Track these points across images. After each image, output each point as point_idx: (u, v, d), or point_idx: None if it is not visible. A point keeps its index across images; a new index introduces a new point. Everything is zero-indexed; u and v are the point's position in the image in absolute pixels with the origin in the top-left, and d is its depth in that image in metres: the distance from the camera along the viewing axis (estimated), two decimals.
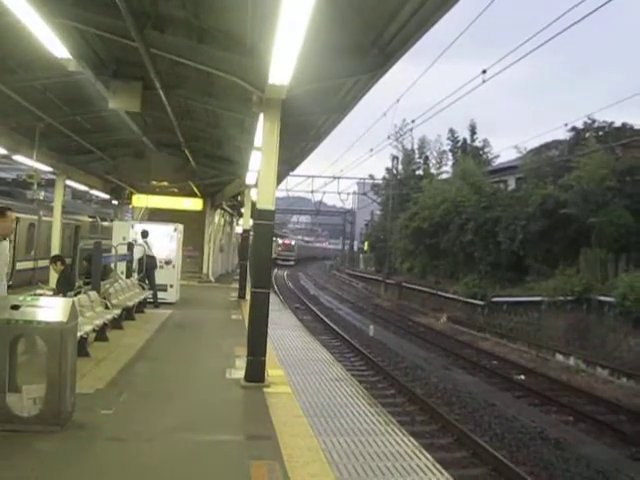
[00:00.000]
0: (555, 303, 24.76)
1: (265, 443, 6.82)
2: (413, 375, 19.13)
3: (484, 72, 18.36)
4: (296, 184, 61.08)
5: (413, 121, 34.33)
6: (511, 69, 17.36)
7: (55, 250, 20.73)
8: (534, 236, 28.49)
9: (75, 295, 11.43)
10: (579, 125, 33.66)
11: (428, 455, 6.84)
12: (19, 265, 21.33)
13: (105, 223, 33.78)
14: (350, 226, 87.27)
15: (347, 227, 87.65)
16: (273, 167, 9.59)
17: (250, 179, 20.38)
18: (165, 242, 19.95)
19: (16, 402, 6.55)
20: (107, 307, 12.91)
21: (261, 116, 10.10)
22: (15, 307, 6.68)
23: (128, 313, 14.96)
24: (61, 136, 18.04)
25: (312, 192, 62.15)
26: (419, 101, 35.93)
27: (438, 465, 6.54)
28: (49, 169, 21.64)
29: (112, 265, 15.74)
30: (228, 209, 36.87)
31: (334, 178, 58.20)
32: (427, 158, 57.40)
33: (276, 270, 61.82)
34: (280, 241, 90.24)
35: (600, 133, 32.28)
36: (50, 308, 6.85)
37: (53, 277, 15.18)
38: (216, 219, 32.79)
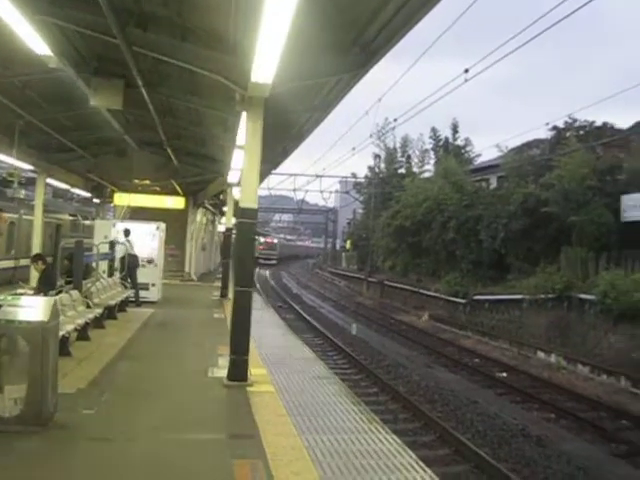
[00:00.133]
0: (536, 301, 24.90)
1: (248, 442, 6.82)
2: (395, 373, 19.17)
3: (466, 71, 18.42)
4: (278, 182, 61.20)
5: (395, 120, 34.27)
6: (495, 67, 17.43)
7: (36, 249, 20.58)
8: (515, 234, 28.64)
9: (56, 294, 11.34)
10: (560, 124, 33.88)
11: (411, 453, 6.87)
12: (1, 264, 21.20)
13: (87, 222, 33.61)
14: (332, 224, 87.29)
15: (329, 225, 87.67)
16: (256, 165, 9.59)
17: (233, 177, 20.34)
18: (147, 241, 19.85)
19: None
20: (89, 306, 12.85)
21: (244, 114, 10.09)
22: None
23: (110, 312, 14.88)
24: (41, 134, 17.90)
25: (294, 190, 62.21)
26: (401, 100, 36.10)
27: (421, 462, 6.56)
28: (30, 167, 21.48)
29: (94, 264, 15.66)
30: (210, 208, 36.79)
31: (316, 176, 58.20)
32: (409, 157, 57.56)
33: (258, 269, 61.68)
34: (262, 239, 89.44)
35: (581, 132, 32.49)
36: (31, 307, 6.81)
37: (34, 276, 15.08)
38: (198, 218, 32.71)
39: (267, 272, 71.23)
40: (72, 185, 28.14)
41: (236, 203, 21.37)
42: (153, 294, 19.64)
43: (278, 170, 30.93)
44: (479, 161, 48.92)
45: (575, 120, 33.09)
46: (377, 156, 56.59)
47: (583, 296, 22.79)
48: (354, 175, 65.36)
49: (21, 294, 10.00)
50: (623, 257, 23.62)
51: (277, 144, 16.63)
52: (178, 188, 26.86)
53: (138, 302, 18.29)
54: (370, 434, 7.41)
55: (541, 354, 22.13)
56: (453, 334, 28.09)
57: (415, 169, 55.50)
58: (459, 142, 52.40)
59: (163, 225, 20.85)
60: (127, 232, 18.73)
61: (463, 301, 30.57)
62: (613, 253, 24.30)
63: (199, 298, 22.52)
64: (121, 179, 26.36)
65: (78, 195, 35.96)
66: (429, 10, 7.30)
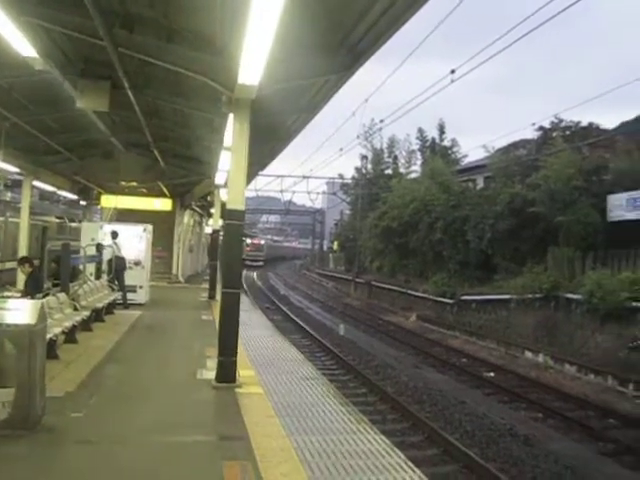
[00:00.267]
0: (524, 301, 25.01)
1: (237, 443, 6.82)
2: (384, 374, 19.19)
3: (453, 72, 18.49)
4: (265, 184, 61.30)
5: (382, 121, 34.43)
6: (482, 67, 17.49)
7: (23, 252, 20.48)
8: (502, 235, 28.76)
9: (43, 297, 11.29)
10: (547, 124, 34.06)
11: (400, 453, 6.89)
12: None
13: (73, 224, 33.48)
14: (320, 225, 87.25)
15: (317, 227, 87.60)
16: (243, 167, 9.59)
17: (219, 179, 20.32)
18: (134, 243, 19.78)
19: None
20: (76, 309, 12.81)
21: (231, 116, 10.08)
22: None
23: (97, 315, 14.83)
24: (28, 136, 17.80)
25: (282, 192, 62.20)
26: (388, 101, 36.06)
27: (410, 463, 6.58)
28: (16, 170, 21.37)
29: (81, 266, 15.60)
30: (197, 209, 36.72)
31: (303, 177, 58.20)
32: (396, 157, 57.66)
33: (245, 271, 61.53)
34: (249, 241, 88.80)
35: (567, 133, 32.68)
36: (18, 310, 6.78)
37: (21, 279, 15.00)
38: (185, 219, 32.63)
39: (254, 273, 71.16)
40: (59, 187, 27.98)
41: (223, 205, 21.37)
42: (141, 296, 19.58)
43: (265, 171, 30.93)
44: (466, 161, 49.14)
45: (561, 120, 33.33)
46: (364, 157, 56.64)
47: (570, 296, 22.92)
48: (341, 176, 65.48)
49: (8, 297, 9.96)
50: (609, 257, 23.78)
51: (264, 145, 16.62)
52: (165, 190, 26.79)
53: (126, 304, 18.25)
54: (359, 434, 7.42)
55: (528, 354, 22.22)
56: (441, 334, 28.16)
57: (402, 170, 55.65)
58: (446, 143, 52.62)
59: (150, 227, 20.79)
60: (115, 234, 18.68)
61: (451, 301, 30.65)
62: (599, 253, 24.45)
63: (187, 300, 22.46)
64: (108, 181, 26.26)
65: (65, 197, 35.79)
66: (415, 12, 7.33)
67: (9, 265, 22.12)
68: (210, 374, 9.77)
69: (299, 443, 6.94)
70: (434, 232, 33.86)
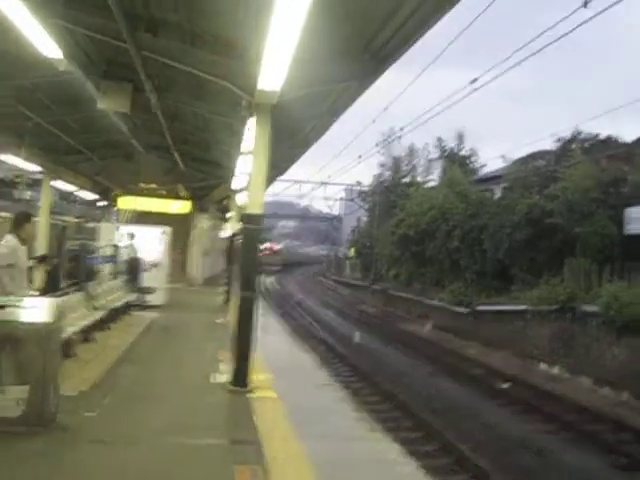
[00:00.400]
0: (540, 312, 24.84)
1: (249, 448, 6.81)
2: (398, 382, 19.14)
3: (474, 81, 18.46)
4: (284, 189, 61.19)
5: (401, 129, 34.24)
6: (504, 77, 17.47)
7: (41, 250, 20.59)
8: (519, 244, 28.58)
9: (61, 296, 11.36)
10: (566, 136, 33.93)
11: (412, 461, 6.87)
12: None
13: (92, 224, 33.65)
14: (337, 232, 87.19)
15: (334, 233, 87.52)
16: (263, 172, 9.61)
17: (237, 183, 20.37)
18: (153, 245, 19.87)
19: None
20: (93, 308, 12.86)
21: (251, 121, 10.11)
22: (0, 307, 6.65)
23: (113, 315, 14.89)
24: (50, 136, 17.93)
25: (300, 197, 62.29)
26: (408, 108, 36.08)
27: (422, 471, 6.56)
28: (37, 169, 21.53)
29: (98, 266, 15.68)
30: (215, 212, 36.80)
31: (322, 184, 58.37)
32: (415, 166, 57.60)
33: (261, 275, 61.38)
34: (266, 245, 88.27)
35: (586, 144, 32.55)
36: (35, 308, 6.83)
37: (38, 277, 15.10)
38: (203, 223, 32.71)
39: (271, 278, 71.16)
40: (79, 187, 28.15)
41: (241, 209, 21.42)
42: (157, 298, 19.61)
43: (283, 176, 30.95)
44: (484, 171, 48.93)
45: (580, 132, 33.21)
46: (382, 165, 56.62)
47: (586, 308, 22.74)
48: (359, 183, 65.48)
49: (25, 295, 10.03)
50: (626, 269, 23.61)
51: (283, 150, 16.65)
52: (184, 193, 26.91)
53: (142, 305, 18.31)
54: (372, 442, 7.42)
55: (544, 365, 22.09)
56: (456, 344, 28.02)
57: (420, 178, 55.54)
58: (464, 152, 52.44)
59: (169, 229, 20.87)
60: (131, 236, 18.77)
61: (467, 311, 30.51)
62: (616, 265, 24.28)
63: (203, 303, 22.51)
64: (128, 182, 26.41)
65: (83, 198, 35.99)
66: (441, 17, 7.26)
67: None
68: (224, 377, 9.79)
69: (311, 449, 6.92)
70: (451, 240, 33.74)
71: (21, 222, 9.04)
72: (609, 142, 32.52)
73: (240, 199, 21.86)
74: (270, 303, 38.63)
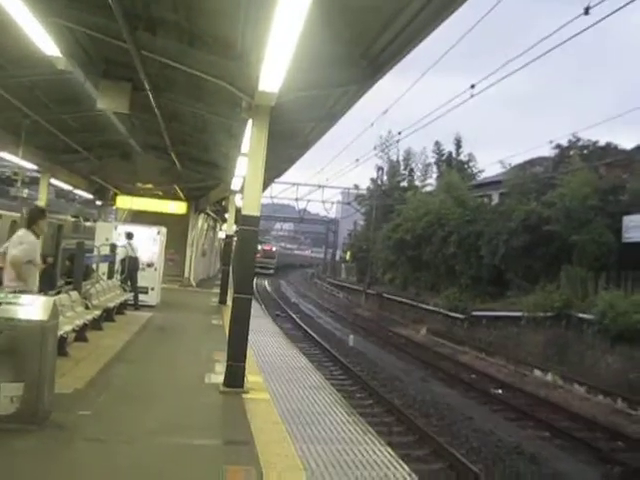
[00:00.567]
0: (535, 319, 24.89)
1: (242, 449, 6.82)
2: (391, 386, 19.17)
3: (472, 87, 18.50)
4: (281, 191, 61.18)
5: (400, 133, 34.25)
6: (504, 82, 17.52)
7: None
8: (516, 251, 28.63)
9: (56, 294, 11.36)
10: (564, 142, 33.96)
11: (405, 465, 6.87)
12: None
13: (88, 223, 33.61)
14: (333, 235, 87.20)
15: (330, 236, 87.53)
16: (259, 173, 9.62)
17: (235, 185, 20.38)
18: (148, 245, 19.85)
19: None
20: (87, 307, 12.86)
21: (249, 122, 10.12)
22: None
23: (108, 314, 14.87)
24: (47, 134, 17.91)
25: (296, 200, 62.30)
26: (407, 113, 36.12)
27: (414, 476, 6.56)
28: (34, 167, 21.51)
29: (94, 266, 15.67)
30: (212, 214, 36.79)
31: (319, 187, 58.37)
32: (412, 170, 57.74)
33: (255, 278, 61.13)
34: (260, 247, 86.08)
35: (584, 151, 32.58)
36: (31, 306, 6.83)
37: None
38: (199, 223, 32.69)
39: (266, 281, 71.07)
40: (75, 186, 28.10)
41: (238, 210, 21.41)
42: (152, 298, 19.63)
43: (281, 179, 31.01)
44: (482, 177, 49.01)
45: (579, 139, 33.23)
46: (380, 168, 56.69)
47: (582, 315, 22.79)
48: (356, 187, 65.56)
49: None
50: (622, 278, 23.64)
51: (281, 153, 16.65)
52: (180, 193, 26.89)
53: (137, 305, 18.30)
54: (364, 445, 7.41)
55: (538, 372, 22.12)
56: (450, 349, 28.08)
57: (417, 183, 55.66)
58: (462, 157, 52.57)
59: (164, 229, 20.86)
60: (130, 235, 18.76)
61: (462, 316, 30.57)
62: (612, 273, 24.30)
63: (198, 304, 22.51)
64: (124, 182, 26.37)
65: (80, 196, 35.96)
66: (438, 25, 7.30)
67: None
68: (218, 378, 9.79)
69: (304, 451, 6.93)
70: (447, 246, 33.80)
71: (35, 218, 9.13)
72: (608, 149, 32.54)
73: (238, 200, 21.87)
74: (264, 305, 38.62)
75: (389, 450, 7.38)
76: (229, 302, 15.98)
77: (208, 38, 9.41)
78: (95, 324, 13.29)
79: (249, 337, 9.75)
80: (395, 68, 8.98)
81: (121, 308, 16.55)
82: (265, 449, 6.79)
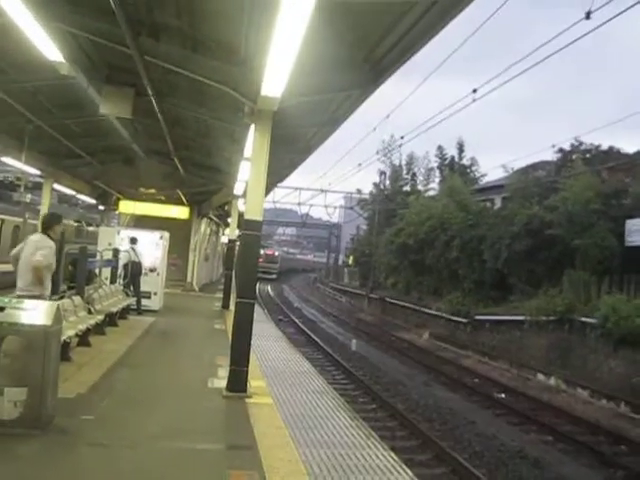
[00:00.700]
0: (537, 323, 24.85)
1: (245, 453, 6.82)
2: (394, 390, 19.14)
3: (475, 91, 18.51)
4: (283, 195, 61.20)
5: (402, 137, 34.26)
6: (506, 87, 17.50)
7: None
8: (519, 255, 28.56)
9: (59, 299, 11.37)
10: (567, 146, 33.91)
11: (408, 470, 6.87)
12: (3, 267, 21.19)
13: (91, 228, 33.68)
14: (336, 240, 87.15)
15: (333, 240, 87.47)
16: (262, 178, 9.63)
17: (238, 189, 20.39)
18: (150, 249, 19.87)
19: None
20: (90, 312, 12.87)
21: (252, 127, 10.14)
22: (0, 309, 6.67)
23: (111, 319, 14.90)
24: (50, 139, 17.96)
25: (299, 204, 62.32)
26: (409, 117, 36.16)
27: None
28: (37, 172, 21.55)
29: (97, 270, 15.67)
30: (215, 218, 36.83)
31: (321, 191, 58.39)
32: (415, 174, 57.69)
33: (258, 283, 61.04)
34: (262, 251, 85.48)
35: (587, 155, 32.53)
36: (34, 311, 6.84)
37: None
38: (202, 228, 32.72)
39: (268, 286, 70.98)
40: (78, 191, 28.15)
41: (240, 215, 21.43)
42: (155, 303, 19.64)
43: (283, 183, 31.01)
44: (484, 181, 48.96)
45: (581, 143, 33.17)
46: (382, 173, 56.67)
47: (584, 319, 22.74)
48: (359, 191, 65.51)
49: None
50: (625, 281, 23.61)
51: (283, 157, 16.67)
52: (183, 198, 26.92)
53: (139, 310, 18.31)
54: (367, 450, 7.41)
55: (541, 376, 22.09)
56: (453, 353, 28.05)
57: (420, 187, 55.62)
58: (465, 161, 52.54)
59: (167, 234, 20.87)
60: (134, 240, 18.78)
61: (464, 320, 30.52)
62: (615, 277, 24.27)
63: (200, 308, 22.52)
64: (127, 187, 26.41)
65: (83, 201, 36.01)
66: (441, 29, 7.32)
67: None
68: (221, 383, 9.79)
69: (307, 455, 6.93)
70: (450, 250, 33.74)
71: (52, 223, 9.28)
72: (610, 153, 32.47)
73: (241, 205, 21.88)
74: (267, 310, 38.62)
75: (392, 454, 7.38)
76: (232, 307, 16.01)
77: (211, 43, 9.44)
78: (98, 329, 13.30)
79: (252, 342, 9.76)
80: (397, 72, 9.02)
81: (124, 313, 16.56)
82: (268, 454, 6.79)
